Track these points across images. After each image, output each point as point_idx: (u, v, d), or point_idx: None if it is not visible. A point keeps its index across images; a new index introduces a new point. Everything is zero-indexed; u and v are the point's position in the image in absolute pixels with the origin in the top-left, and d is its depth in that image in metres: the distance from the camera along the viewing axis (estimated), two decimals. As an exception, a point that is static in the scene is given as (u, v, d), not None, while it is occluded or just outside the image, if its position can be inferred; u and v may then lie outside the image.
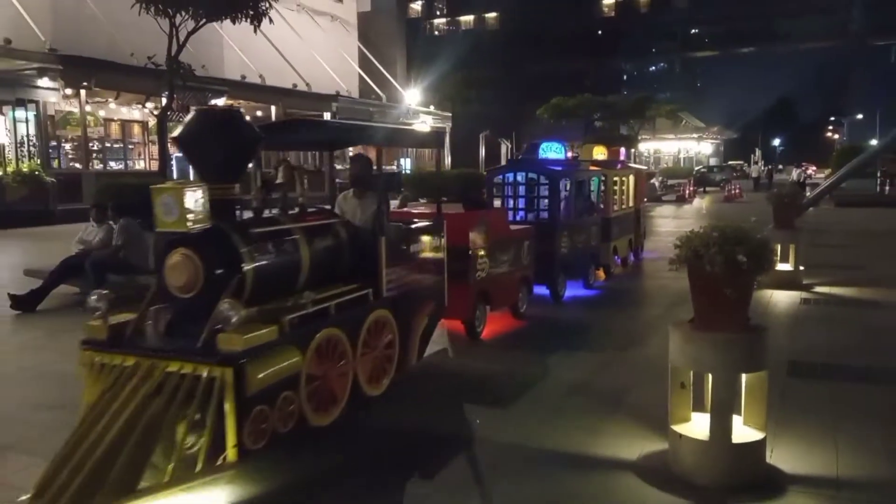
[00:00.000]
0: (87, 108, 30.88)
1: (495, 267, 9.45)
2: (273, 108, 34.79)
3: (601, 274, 13.65)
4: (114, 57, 28.62)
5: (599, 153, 15.21)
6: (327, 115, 36.59)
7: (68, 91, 29.85)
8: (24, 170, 28.42)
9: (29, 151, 29.81)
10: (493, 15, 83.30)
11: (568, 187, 11.57)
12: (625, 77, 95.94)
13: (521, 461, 5.60)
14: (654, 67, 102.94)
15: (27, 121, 30.13)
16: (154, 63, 28.02)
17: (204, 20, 19.99)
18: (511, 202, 11.76)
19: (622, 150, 16.51)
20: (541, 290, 11.33)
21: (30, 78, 29.04)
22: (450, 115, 45.59)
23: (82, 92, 29.97)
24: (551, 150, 12.12)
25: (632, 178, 15.08)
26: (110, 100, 31.92)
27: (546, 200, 11.29)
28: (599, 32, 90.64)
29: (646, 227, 17.76)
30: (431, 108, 45.46)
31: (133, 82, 29.65)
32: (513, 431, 6.20)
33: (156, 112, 31.28)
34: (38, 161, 29.06)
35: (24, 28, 28.02)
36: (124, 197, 11.99)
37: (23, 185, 27.74)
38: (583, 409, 6.73)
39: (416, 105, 43.61)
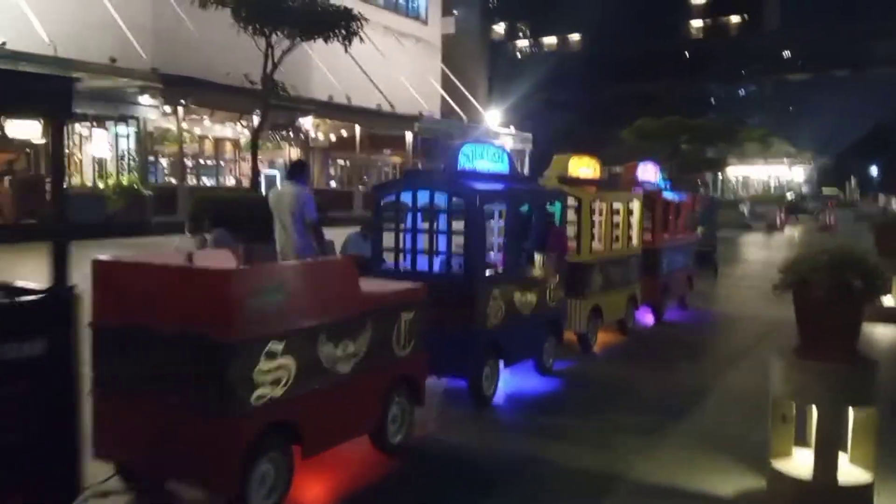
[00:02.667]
0: (184, 125, 31.74)
1: (312, 377, 5.34)
2: (357, 128, 35.19)
3: (578, 343, 10.32)
4: (210, 76, 29.38)
5: (582, 167, 10.92)
6: (409, 135, 36.89)
7: (167, 108, 30.79)
8: (124, 183, 29.44)
9: (128, 165, 30.81)
10: (576, 37, 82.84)
11: (505, 217, 8.44)
12: (712, 100, 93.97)
13: (609, 490, 5.42)
14: (743, 90, 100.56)
15: (128, 136, 31.21)
16: (250, 81, 29.04)
17: (299, 39, 20.36)
18: (409, 239, 8.11)
19: (642, 164, 13.21)
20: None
21: (132, 95, 30.07)
22: (530, 135, 45.49)
23: (180, 109, 30.87)
24: (484, 157, 8.29)
25: (635, 204, 11.56)
26: (205, 117, 32.77)
27: (463, 237, 7.69)
28: (686, 54, 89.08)
29: (690, 275, 14.54)
30: (511, 128, 45.47)
31: (227, 101, 30.58)
32: (597, 460, 5.99)
33: (247, 130, 32.24)
34: (137, 175, 29.95)
35: (128, 48, 29.09)
36: (218, 210, 12.38)
37: (122, 198, 28.70)
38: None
39: (496, 126, 43.69)
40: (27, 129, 28.99)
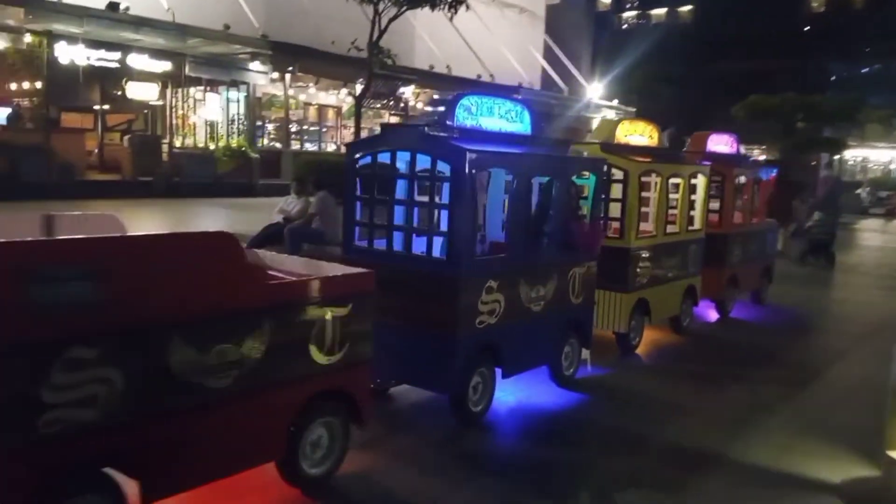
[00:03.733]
0: (290, 91, 31.19)
1: (152, 397, 3.66)
2: (458, 98, 33.37)
3: (617, 345, 8.47)
4: (317, 44, 28.36)
5: (633, 133, 8.73)
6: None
7: (275, 75, 30.45)
8: (233, 146, 29.24)
9: (238, 129, 30.42)
10: (686, 8, 76.91)
11: (510, 187, 6.52)
12: (832, 78, 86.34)
13: (710, 472, 5.32)
14: (867, 69, 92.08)
15: (238, 101, 30.77)
16: (357, 48, 28.16)
17: (406, 7, 19.12)
18: (388, 212, 6.36)
19: (716, 135, 10.66)
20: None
21: (243, 61, 29.87)
22: (633, 110, 42.28)
23: (287, 76, 30.52)
24: (493, 113, 6.42)
25: (699, 179, 9.53)
26: (311, 85, 32.02)
27: (446, 212, 5.91)
28: (805, 29, 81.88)
29: (768, 265, 11.99)
30: (615, 102, 42.39)
31: (332, 69, 29.97)
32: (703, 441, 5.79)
33: (350, 98, 31.20)
34: (245, 138, 29.58)
35: (240, 15, 28.57)
36: (322, 173, 12.49)
37: (231, 160, 28.56)
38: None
39: (598, 99, 40.80)
40: (146, 91, 28.98)
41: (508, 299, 6.23)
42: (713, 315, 10.61)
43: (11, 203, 19.20)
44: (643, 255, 8.36)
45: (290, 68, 30.07)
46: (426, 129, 5.97)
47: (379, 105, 33.69)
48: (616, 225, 8.24)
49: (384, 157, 6.17)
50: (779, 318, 11.26)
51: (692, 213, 9.47)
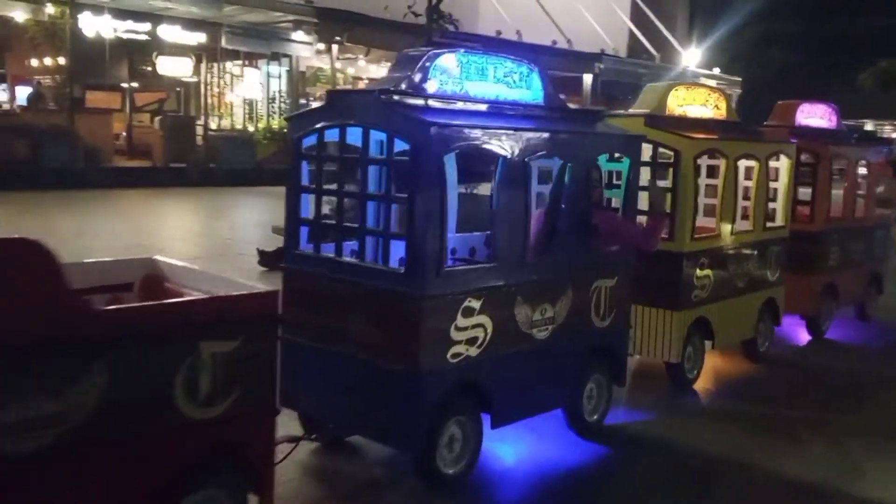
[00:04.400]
0: (337, 65, 30.58)
1: None
2: (528, 68, 32.17)
3: (669, 378, 7.41)
4: (368, 10, 27.81)
5: (693, 103, 7.49)
6: (587, 78, 33.30)
7: (321, 46, 29.96)
8: (274, 127, 28.87)
9: (279, 108, 30.05)
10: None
11: (499, 174, 5.19)
12: None
13: None
14: None
15: (279, 76, 30.48)
16: (414, 13, 27.56)
17: None
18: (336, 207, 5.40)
19: (807, 105, 9.29)
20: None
21: (285, 31, 29.54)
22: (739, 79, 40.07)
23: (334, 48, 29.94)
24: (485, 75, 5.43)
25: (782, 163, 8.30)
26: (360, 57, 31.42)
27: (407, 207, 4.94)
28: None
29: (876, 272, 10.46)
30: (717, 70, 40.31)
31: (385, 37, 29.34)
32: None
33: None
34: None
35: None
36: None
37: (272, 143, 28.20)
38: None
39: (695, 67, 38.82)
40: (178, 67, 28.93)
41: (498, 323, 5.23)
42: (803, 335, 9.32)
43: (33, 193, 19.19)
44: (702, 262, 7.21)
45: (338, 38, 29.48)
46: (381, 95, 5.01)
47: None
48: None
49: (333, 135, 5.25)
50: (890, 339, 9.93)
51: (772, 205, 8.24)
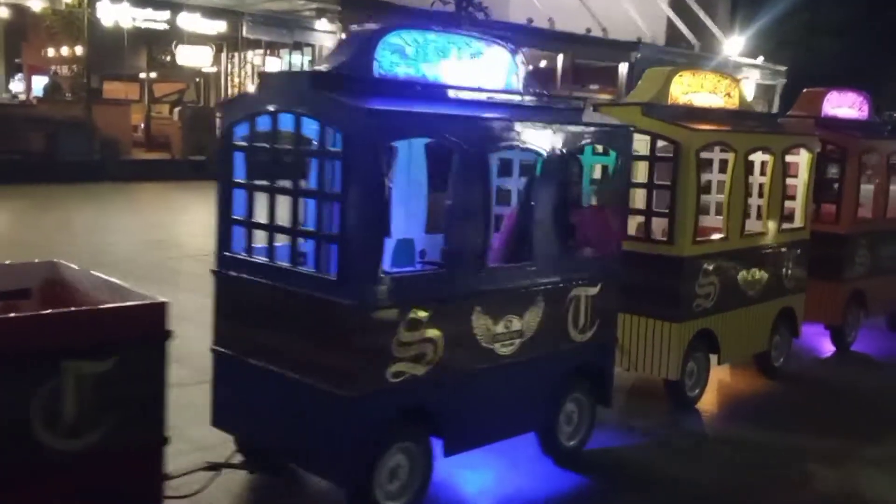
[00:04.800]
0: (362, 53, 30.20)
1: None
2: (559, 58, 31.43)
3: (668, 396, 6.86)
4: (393, -1, 27.45)
5: (700, 90, 6.93)
6: (623, 67, 32.47)
7: (344, 35, 29.62)
8: (296, 120, 28.63)
9: (301, 99, 29.84)
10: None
11: (454, 170, 4.67)
12: None
13: None
14: None
15: (301, 66, 30.16)
16: (442, 1, 27.28)
17: None
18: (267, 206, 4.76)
19: (836, 93, 8.68)
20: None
21: (308, 20, 29.47)
22: (783, 68, 38.78)
23: None
24: (441, 55, 4.95)
25: (802, 157, 7.67)
26: (385, 45, 30.93)
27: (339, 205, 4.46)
28: None
29: None
30: (761, 59, 39.08)
31: (411, 26, 28.78)
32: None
33: None
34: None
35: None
36: None
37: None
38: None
39: (738, 56, 37.66)
40: (198, 57, 28.75)
41: (452, 337, 4.72)
42: (827, 347, 8.66)
43: (49, 186, 19.02)
44: (706, 267, 6.62)
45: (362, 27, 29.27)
46: (315, 78, 4.51)
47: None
48: (663, 225, 6.56)
49: (266, 123, 4.77)
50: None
51: (791, 204, 7.61)
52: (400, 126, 4.44)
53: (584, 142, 5.59)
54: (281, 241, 4.81)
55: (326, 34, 29.61)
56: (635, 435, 6.22)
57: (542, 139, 5.16)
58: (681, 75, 6.88)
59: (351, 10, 27.92)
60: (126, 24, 26.13)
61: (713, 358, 6.96)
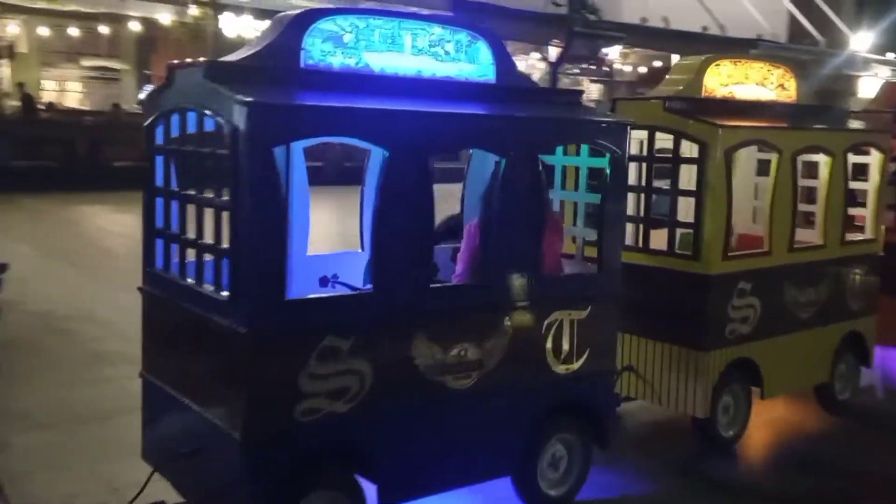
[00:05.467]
0: (471, 57, 29.75)
1: None
2: (674, 58, 29.85)
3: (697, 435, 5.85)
4: (504, 1, 26.99)
5: (736, 80, 5.89)
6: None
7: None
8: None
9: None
10: None
11: (384, 173, 3.98)
12: None
13: None
14: None
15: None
16: (555, 3, 26.56)
17: None
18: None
19: None
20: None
21: None
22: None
23: None
24: (408, 45, 4.30)
25: (874, 158, 6.55)
26: (495, 49, 30.38)
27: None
28: None
29: None
30: (892, 55, 35.97)
31: (521, 29, 28.45)
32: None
33: (542, 63, 29.28)
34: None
35: (415, -29, 27.88)
36: None
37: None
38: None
39: (866, 52, 34.74)
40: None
41: (383, 369, 3.97)
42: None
43: None
44: (742, 287, 5.59)
45: (472, 32, 28.97)
46: (210, 69, 3.85)
47: (577, 70, 31.28)
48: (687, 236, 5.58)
49: (176, 122, 4.15)
50: None
51: (852, 212, 6.44)
52: (296, 123, 3.71)
53: (565, 140, 4.73)
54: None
55: (438, 39, 29.24)
56: (650, 482, 5.27)
57: (505, 138, 4.34)
58: (717, 65, 5.86)
59: (460, 13, 27.50)
60: (248, 34, 26.44)
61: (757, 391, 5.91)
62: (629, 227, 5.70)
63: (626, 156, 4.86)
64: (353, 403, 3.90)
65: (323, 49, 4.08)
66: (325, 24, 4.09)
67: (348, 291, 4.56)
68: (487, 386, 4.35)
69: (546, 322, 4.55)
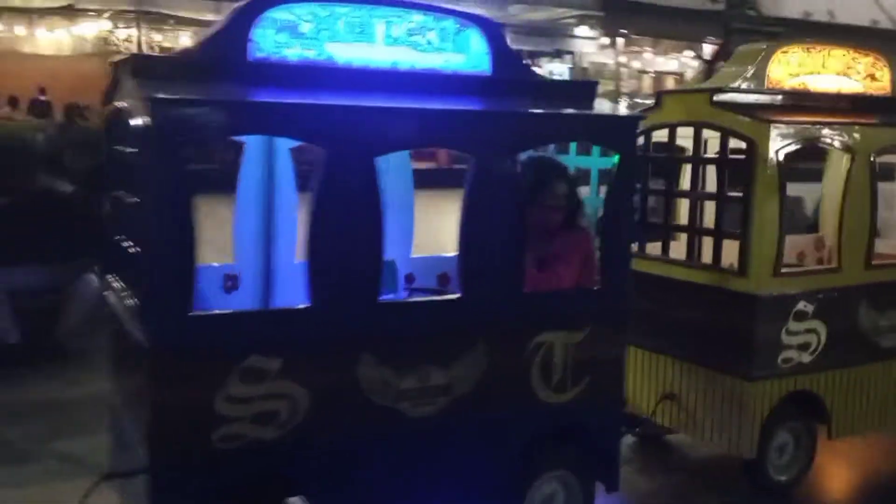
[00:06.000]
0: (622, 59, 29.00)
1: None
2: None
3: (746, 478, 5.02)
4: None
5: (810, 69, 5.08)
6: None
7: (605, 41, 28.66)
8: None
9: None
10: None
11: (320, 177, 3.46)
12: None
13: None
14: None
15: (561, 74, 29.37)
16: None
17: None
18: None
19: None
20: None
21: (568, 27, 28.74)
22: None
23: (619, 41, 28.50)
24: (380, 35, 3.80)
25: None
26: (646, 49, 29.47)
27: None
28: None
29: None
30: None
31: (676, 27, 27.63)
32: None
33: (696, 61, 28.10)
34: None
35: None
36: None
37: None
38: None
39: None
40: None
41: (322, 394, 3.53)
42: None
43: None
44: (801, 309, 4.76)
45: (624, 31, 28.01)
46: (134, 64, 3.52)
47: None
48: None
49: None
50: None
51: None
52: (206, 121, 3.31)
53: (544, 138, 4.14)
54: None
55: (587, 40, 28.74)
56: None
57: (470, 135, 3.81)
58: (785, 51, 5.05)
59: (613, 14, 26.70)
60: None
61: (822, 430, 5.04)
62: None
63: (633, 154, 4.19)
64: (284, 430, 3.48)
65: (277, 41, 3.67)
66: (279, 14, 3.67)
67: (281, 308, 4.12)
68: (456, 414, 3.83)
69: (532, 343, 3.98)
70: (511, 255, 3.88)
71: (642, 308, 5.07)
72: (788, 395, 4.79)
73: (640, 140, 5.18)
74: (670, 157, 5.23)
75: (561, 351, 4.03)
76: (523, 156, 4.05)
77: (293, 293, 4.50)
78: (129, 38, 27.22)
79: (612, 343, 4.20)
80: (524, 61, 4.47)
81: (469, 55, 4.08)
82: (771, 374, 4.72)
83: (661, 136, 5.19)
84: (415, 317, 3.81)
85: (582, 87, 4.42)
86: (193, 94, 3.29)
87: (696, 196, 4.98)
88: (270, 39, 3.66)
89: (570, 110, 4.19)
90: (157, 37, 29.59)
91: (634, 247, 4.81)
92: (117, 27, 27.44)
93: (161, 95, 3.16)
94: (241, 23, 3.62)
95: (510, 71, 4.15)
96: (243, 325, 3.48)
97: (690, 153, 5.08)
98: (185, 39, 30.49)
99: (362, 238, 3.57)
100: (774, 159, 4.55)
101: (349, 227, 3.54)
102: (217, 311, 3.60)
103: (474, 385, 3.85)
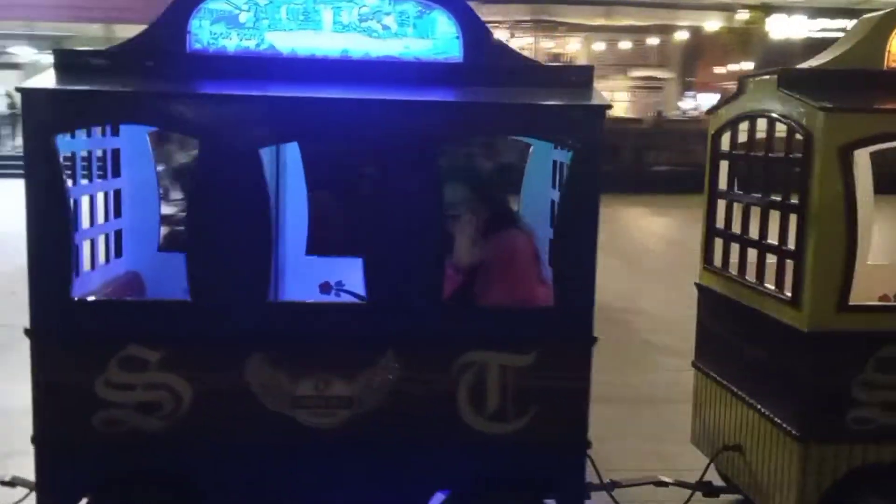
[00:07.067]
0: None
1: None
2: None
3: None
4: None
5: None
6: None
7: None
8: None
9: None
10: None
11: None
12: None
13: None
14: None
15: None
16: None
17: None
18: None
19: None
20: None
21: None
22: None
23: None
24: (327, 21, 3.43)
25: None
26: None
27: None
28: None
29: None
30: None
31: None
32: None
33: None
34: None
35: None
36: None
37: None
38: None
39: None
40: None
41: (207, 390, 3.43)
42: None
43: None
44: (884, 357, 3.54)
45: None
46: (61, 57, 3.68)
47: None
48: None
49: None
50: None
51: None
52: (76, 110, 3.38)
53: (478, 130, 3.56)
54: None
55: None
56: None
57: (382, 126, 3.41)
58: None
59: None
60: (798, 35, 24.93)
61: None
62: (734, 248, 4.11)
63: (597, 148, 3.42)
64: (168, 423, 3.47)
65: (213, 31, 3.67)
66: (215, 4, 3.66)
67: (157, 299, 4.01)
68: (362, 430, 3.50)
69: (458, 363, 3.48)
70: (425, 259, 3.44)
71: (718, 333, 4.26)
72: (862, 467, 3.60)
73: (722, 136, 4.30)
74: (737, 155, 4.24)
75: (497, 374, 3.48)
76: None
77: (301, 287, 4.49)
78: (522, 47, 28.43)
79: (570, 371, 3.51)
80: (504, 44, 3.88)
81: (434, 40, 3.70)
82: (835, 438, 3.58)
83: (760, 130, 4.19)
84: (312, 320, 3.55)
85: (577, 72, 3.74)
86: (129, 87, 3.37)
87: (763, 204, 3.93)
88: (207, 30, 3.65)
89: (559, 100, 3.57)
90: (548, 44, 30.70)
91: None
92: (513, 36, 28.82)
93: (28, 86, 3.33)
94: (179, 14, 3.65)
95: (485, 56, 3.68)
96: (123, 313, 3.53)
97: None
98: (573, 45, 31.28)
99: (247, 234, 3.42)
100: (836, 157, 3.44)
101: (232, 222, 3.41)
102: (98, 299, 3.68)
103: (383, 400, 3.49)
